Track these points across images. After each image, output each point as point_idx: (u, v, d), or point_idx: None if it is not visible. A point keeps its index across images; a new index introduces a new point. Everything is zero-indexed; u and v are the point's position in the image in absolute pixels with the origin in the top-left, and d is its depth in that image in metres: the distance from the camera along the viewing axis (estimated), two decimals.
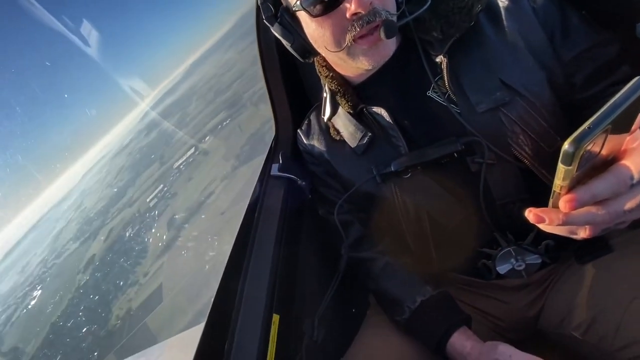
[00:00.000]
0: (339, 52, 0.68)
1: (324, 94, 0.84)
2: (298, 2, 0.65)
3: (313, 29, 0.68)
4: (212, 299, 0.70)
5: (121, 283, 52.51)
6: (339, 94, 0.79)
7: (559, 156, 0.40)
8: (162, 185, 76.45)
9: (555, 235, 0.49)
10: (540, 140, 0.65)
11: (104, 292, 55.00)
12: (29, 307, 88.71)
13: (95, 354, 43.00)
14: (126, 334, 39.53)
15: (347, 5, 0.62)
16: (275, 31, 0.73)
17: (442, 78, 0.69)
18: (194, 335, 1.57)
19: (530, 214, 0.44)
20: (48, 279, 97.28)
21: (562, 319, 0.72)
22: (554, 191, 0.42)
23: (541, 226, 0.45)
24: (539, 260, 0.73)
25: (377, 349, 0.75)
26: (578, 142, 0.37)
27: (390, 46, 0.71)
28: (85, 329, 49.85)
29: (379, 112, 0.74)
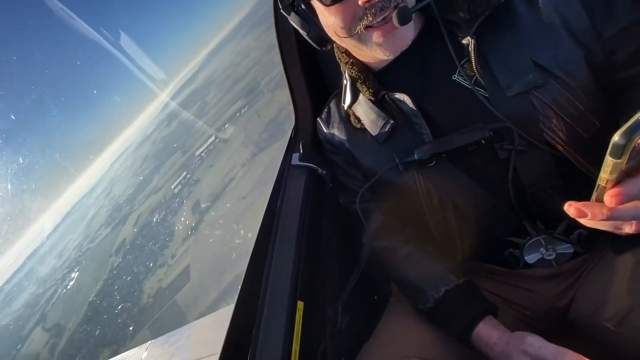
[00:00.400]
0: (349, 38, 0.67)
1: (344, 81, 0.83)
2: None
3: (326, 16, 0.67)
4: (240, 286, 0.72)
5: (151, 265, 55.53)
6: (359, 81, 0.76)
7: (596, 142, 0.37)
8: (185, 173, 78.96)
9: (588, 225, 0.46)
10: (576, 124, 0.62)
11: (136, 273, 58.40)
12: (68, 287, 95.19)
13: (131, 328, 46.10)
14: (157, 311, 42.21)
15: None
16: (292, 20, 0.73)
17: (469, 61, 0.66)
18: (221, 317, 1.81)
19: (570, 207, 0.41)
20: (84, 262, 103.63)
21: (595, 310, 0.68)
22: (599, 185, 0.39)
23: (582, 221, 0.42)
24: (571, 250, 0.70)
25: (400, 336, 0.74)
26: (630, 135, 0.34)
27: (407, 34, 0.68)
28: (120, 306, 53.39)
29: (402, 98, 0.72)
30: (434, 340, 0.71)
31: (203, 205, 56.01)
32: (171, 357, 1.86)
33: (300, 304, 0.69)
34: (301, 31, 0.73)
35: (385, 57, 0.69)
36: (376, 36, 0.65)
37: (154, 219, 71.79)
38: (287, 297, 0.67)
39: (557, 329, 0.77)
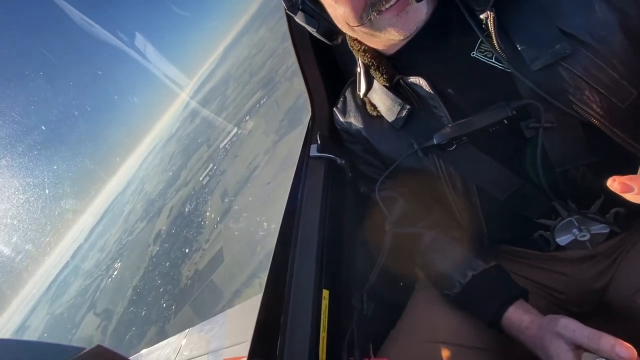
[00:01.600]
0: (361, 26, 0.63)
1: (358, 69, 0.80)
2: None
3: (335, 8, 0.64)
4: (266, 277, 0.74)
5: (187, 250, 59.17)
6: (372, 67, 0.73)
7: (634, 112, 0.36)
8: (211, 165, 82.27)
9: (627, 202, 0.43)
10: (611, 94, 0.57)
11: (173, 259, 62.51)
12: (113, 276, 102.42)
13: (173, 307, 49.97)
14: (196, 290, 45.59)
15: None
16: (299, 20, 0.71)
17: (488, 36, 0.61)
18: (252, 305, 1.92)
19: (614, 182, 0.40)
20: (124, 253, 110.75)
21: (635, 292, 0.65)
22: None
23: (627, 196, 0.40)
24: (607, 230, 0.66)
25: (427, 322, 0.73)
26: None
27: (421, 9, 0.63)
28: (162, 289, 57.68)
29: (417, 82, 0.68)
30: (461, 326, 0.71)
31: (231, 193, 58.86)
32: (208, 344, 1.94)
33: (325, 293, 0.69)
34: (310, 29, 0.72)
35: (401, 37, 0.64)
36: (390, 16, 0.61)
37: (186, 209, 75.69)
38: (313, 286, 0.67)
39: (593, 313, 0.74)
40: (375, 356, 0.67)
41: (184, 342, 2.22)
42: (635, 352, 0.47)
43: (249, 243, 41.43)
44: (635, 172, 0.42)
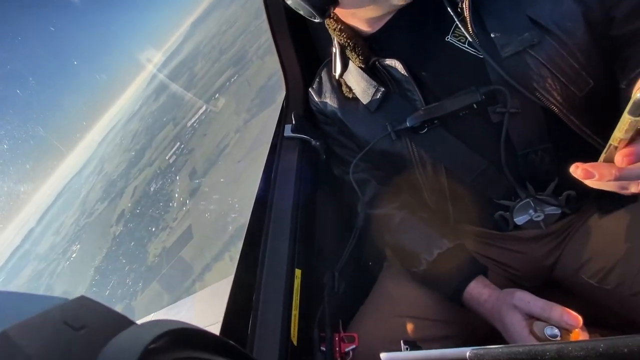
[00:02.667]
0: None
1: (334, 49, 0.80)
2: None
3: None
4: (238, 256, 0.74)
5: (153, 229, 57.73)
6: (348, 48, 0.73)
7: (589, 101, 0.41)
8: (178, 143, 79.62)
9: (577, 185, 0.46)
10: (571, 83, 0.61)
11: (139, 238, 60.86)
12: (71, 259, 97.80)
13: (140, 284, 49.32)
14: (165, 267, 45.24)
15: None
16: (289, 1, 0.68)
17: (463, 21, 0.63)
18: (220, 288, 1.89)
19: (577, 169, 0.41)
20: (84, 235, 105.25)
21: (579, 267, 0.72)
22: (610, 144, 0.39)
23: (589, 182, 0.42)
24: (559, 211, 0.71)
25: (394, 298, 0.78)
26: None
27: None
28: (127, 268, 56.34)
29: (393, 64, 0.70)
30: (425, 301, 0.75)
31: (200, 172, 57.92)
32: None
33: (298, 272, 0.71)
34: (304, 4, 0.66)
35: (381, 13, 0.67)
36: None
37: (152, 189, 73.12)
38: (286, 266, 0.69)
39: (542, 287, 0.79)
40: (344, 332, 0.70)
41: None
42: (581, 320, 0.53)
43: (219, 220, 41.54)
44: (588, 158, 0.45)
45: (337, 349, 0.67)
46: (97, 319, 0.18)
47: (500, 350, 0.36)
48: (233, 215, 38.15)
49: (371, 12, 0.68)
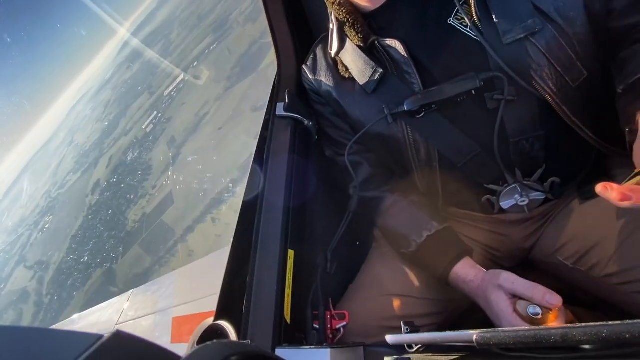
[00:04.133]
0: None
1: (331, 25, 0.77)
2: None
3: None
4: (232, 239, 0.76)
5: (132, 197, 57.16)
6: (347, 25, 0.71)
7: (581, 92, 0.44)
8: (155, 112, 77.14)
9: (561, 173, 0.53)
10: (566, 73, 0.62)
11: (117, 206, 60.09)
12: (45, 229, 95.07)
13: (120, 249, 49.54)
14: (145, 231, 45.64)
15: None
16: None
17: (467, 4, 0.63)
18: (201, 266, 1.86)
19: (612, 192, 0.41)
20: (56, 206, 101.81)
21: (555, 250, 0.75)
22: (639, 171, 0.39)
23: (624, 204, 0.42)
24: (543, 197, 0.73)
25: (382, 277, 0.81)
26: None
27: None
28: (105, 234, 55.99)
29: (393, 44, 0.68)
30: (411, 280, 0.78)
31: (179, 140, 57.25)
32: (155, 304, 1.89)
33: (291, 253, 0.72)
34: None
35: (370, 5, 0.67)
36: None
37: (129, 158, 71.25)
38: (279, 247, 0.70)
39: (519, 268, 0.82)
40: (334, 310, 0.72)
41: (127, 303, 2.08)
42: (561, 300, 0.55)
43: (200, 185, 41.97)
44: (575, 147, 0.51)
45: (329, 326, 0.69)
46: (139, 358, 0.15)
47: (507, 333, 0.36)
48: (215, 180, 38.78)
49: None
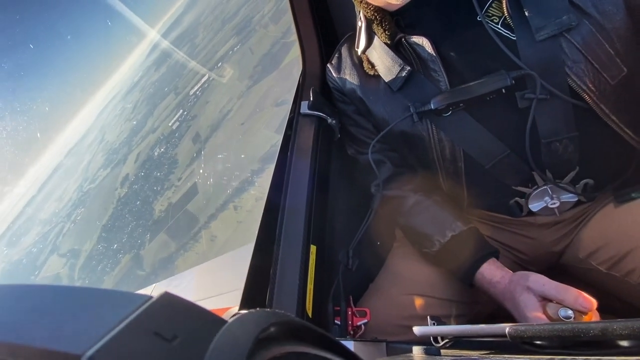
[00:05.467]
0: None
1: (359, 23, 0.76)
2: None
3: None
4: (257, 232, 0.75)
5: (158, 188, 59.72)
6: (375, 22, 0.70)
7: (620, 90, 0.41)
8: (181, 111, 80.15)
9: (597, 175, 0.50)
10: (604, 70, 0.58)
11: (144, 197, 62.93)
12: (76, 221, 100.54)
13: (147, 236, 52.07)
14: (171, 219, 47.87)
15: None
16: None
17: (498, 0, 0.60)
18: (221, 262, 1.91)
19: None
20: (87, 199, 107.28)
21: (588, 254, 0.71)
22: None
23: None
24: (575, 199, 0.69)
25: (403, 277, 0.79)
26: None
27: None
28: (133, 223, 58.91)
29: (420, 42, 0.66)
30: (433, 280, 0.76)
31: (203, 136, 59.60)
32: None
33: (313, 248, 0.72)
34: None
35: (398, 1, 0.64)
36: None
37: (155, 153, 74.47)
38: (301, 242, 0.70)
39: (548, 272, 0.76)
40: (355, 307, 0.72)
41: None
42: (595, 303, 0.52)
43: (223, 176, 43.75)
44: (613, 147, 0.50)
45: (350, 322, 0.69)
46: (186, 321, 0.16)
47: (542, 327, 0.34)
48: (236, 173, 40.37)
49: None
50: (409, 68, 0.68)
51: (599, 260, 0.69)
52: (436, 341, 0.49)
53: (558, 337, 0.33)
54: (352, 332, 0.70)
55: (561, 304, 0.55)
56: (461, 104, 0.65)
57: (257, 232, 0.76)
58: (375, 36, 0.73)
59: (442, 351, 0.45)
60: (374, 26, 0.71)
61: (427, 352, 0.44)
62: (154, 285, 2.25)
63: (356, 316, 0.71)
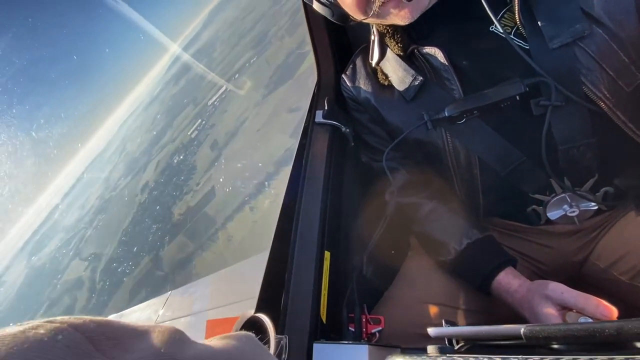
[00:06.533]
0: (367, 18, 0.64)
1: (372, 37, 0.78)
2: None
3: (343, 1, 0.65)
4: (272, 237, 0.77)
5: (177, 193, 61.74)
6: (387, 35, 0.72)
7: (637, 97, 0.40)
8: (200, 120, 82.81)
9: (616, 183, 0.48)
10: (619, 77, 0.58)
11: (163, 202, 64.78)
12: (98, 226, 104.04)
13: (166, 238, 53.65)
14: (189, 222, 49.39)
15: None
16: (317, 8, 0.73)
17: (510, 10, 0.60)
18: (236, 271, 1.92)
19: None
20: (109, 206, 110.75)
21: (611, 264, 0.69)
22: None
23: None
24: (595, 207, 0.68)
25: (418, 285, 0.78)
26: None
27: None
28: (154, 227, 60.78)
29: (432, 52, 0.67)
30: (449, 289, 0.74)
31: (221, 143, 61.57)
32: (191, 306, 1.90)
33: (327, 254, 0.73)
34: (327, 16, 0.73)
35: (405, 23, 0.64)
36: (391, 7, 0.61)
37: (175, 161, 77.02)
38: (316, 247, 0.70)
39: (569, 283, 0.74)
40: (370, 314, 0.71)
41: (165, 303, 2.09)
42: (616, 312, 0.50)
43: (240, 180, 45.16)
44: (631, 155, 0.47)
45: (364, 329, 0.68)
46: None
47: (557, 327, 0.34)
48: (252, 176, 41.71)
49: (392, 23, 0.66)
50: (421, 78, 0.69)
51: (621, 270, 0.68)
52: (451, 344, 0.48)
53: (573, 337, 0.32)
54: (366, 339, 0.69)
55: (581, 312, 0.53)
56: (475, 111, 0.65)
57: (272, 239, 0.77)
58: (388, 48, 0.74)
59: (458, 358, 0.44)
60: (387, 39, 0.73)
61: (442, 351, 0.44)
62: (169, 292, 2.22)
63: (370, 323, 0.70)
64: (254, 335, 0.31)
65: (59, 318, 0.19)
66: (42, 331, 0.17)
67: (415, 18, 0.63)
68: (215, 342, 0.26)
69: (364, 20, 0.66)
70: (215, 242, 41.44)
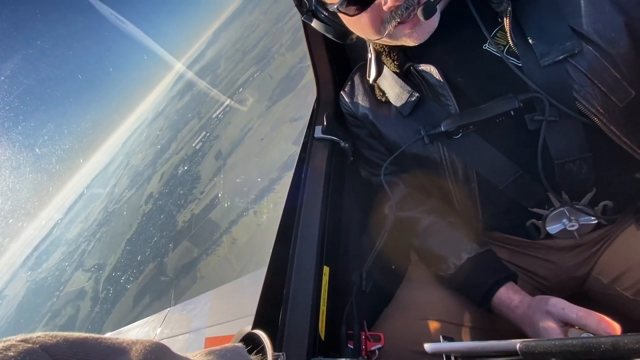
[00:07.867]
0: (380, 39, 0.65)
1: (369, 55, 0.78)
2: (335, 6, 0.61)
3: (352, 23, 0.65)
4: (271, 252, 0.75)
5: (182, 202, 62.55)
6: (384, 54, 0.73)
7: (630, 111, 0.41)
8: (204, 132, 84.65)
9: (615, 197, 0.49)
10: (612, 93, 0.58)
11: (168, 212, 65.37)
12: (101, 239, 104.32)
13: (171, 245, 54.13)
14: (194, 228, 50.06)
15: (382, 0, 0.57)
16: (315, 26, 0.72)
17: (502, 29, 0.62)
18: (235, 287, 1.89)
19: None
20: (112, 218, 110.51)
21: (614, 279, 0.68)
22: None
23: None
24: (594, 221, 0.68)
25: (418, 301, 0.76)
26: None
27: (434, 19, 0.62)
28: (157, 235, 61.10)
29: (428, 69, 0.68)
30: (450, 305, 0.73)
31: (225, 153, 62.94)
32: (189, 323, 1.87)
33: (326, 269, 0.71)
34: (326, 34, 0.72)
35: (415, 44, 0.64)
36: (405, 28, 0.61)
37: (179, 172, 78.16)
38: (314, 262, 0.69)
39: (571, 299, 0.72)
40: (369, 331, 0.69)
41: (164, 321, 2.06)
42: (619, 328, 0.49)
43: (243, 186, 46.16)
44: (627, 169, 0.48)
45: (364, 346, 0.66)
46: None
47: (553, 342, 0.33)
48: (256, 180, 42.73)
49: (401, 43, 0.66)
50: (417, 94, 0.70)
51: (624, 286, 0.67)
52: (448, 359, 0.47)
53: (569, 352, 0.31)
54: (365, 357, 0.67)
55: (583, 329, 0.52)
56: (471, 126, 0.65)
57: (270, 253, 0.76)
58: (385, 66, 0.75)
59: None
60: (383, 57, 0.74)
61: None
62: (167, 309, 2.20)
63: (370, 340, 0.68)
64: (242, 346, 0.30)
65: (34, 336, 0.20)
66: (11, 353, 0.17)
67: (425, 39, 0.63)
68: (199, 357, 0.25)
69: (376, 41, 0.67)
70: (219, 246, 42.00)
